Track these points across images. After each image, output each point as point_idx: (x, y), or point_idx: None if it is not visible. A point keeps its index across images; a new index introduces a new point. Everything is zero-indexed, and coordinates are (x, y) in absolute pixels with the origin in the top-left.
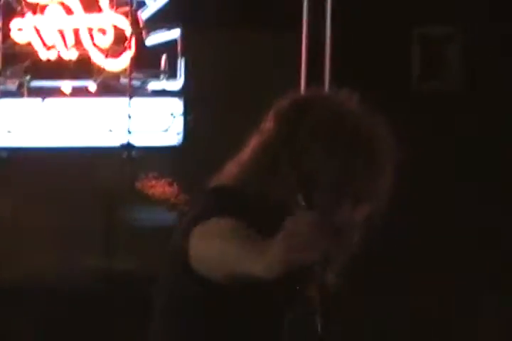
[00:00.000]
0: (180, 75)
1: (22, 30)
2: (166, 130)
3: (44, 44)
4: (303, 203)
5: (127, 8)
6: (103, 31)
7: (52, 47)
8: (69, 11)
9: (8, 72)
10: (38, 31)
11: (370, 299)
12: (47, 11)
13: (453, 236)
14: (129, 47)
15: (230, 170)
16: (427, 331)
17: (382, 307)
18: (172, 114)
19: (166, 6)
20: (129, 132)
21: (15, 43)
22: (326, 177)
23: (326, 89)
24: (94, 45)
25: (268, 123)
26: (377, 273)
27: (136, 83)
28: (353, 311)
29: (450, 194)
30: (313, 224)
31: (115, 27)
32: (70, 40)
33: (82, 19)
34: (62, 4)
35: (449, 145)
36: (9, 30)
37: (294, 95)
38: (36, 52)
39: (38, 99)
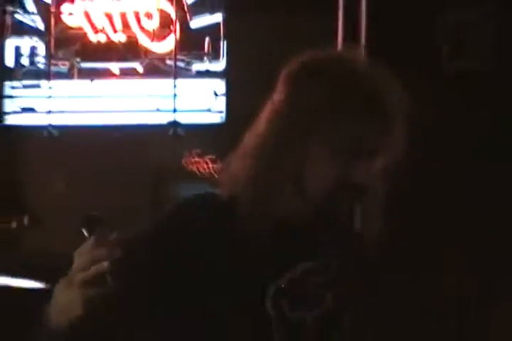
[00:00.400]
0: (223, 57)
1: (72, 14)
2: (209, 109)
3: (93, 27)
4: (86, 233)
5: None
6: (149, 15)
7: (101, 30)
8: None
9: (59, 54)
10: (87, 15)
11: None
12: None
13: (486, 216)
14: (174, 30)
15: (248, 143)
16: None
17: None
18: (215, 94)
19: None
20: (175, 111)
21: (66, 27)
22: (341, 138)
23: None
24: (141, 28)
25: (279, 88)
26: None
27: (180, 64)
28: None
29: (480, 173)
30: (93, 252)
31: (161, 11)
32: (118, 23)
33: (129, 3)
34: None
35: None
36: (60, 14)
37: (303, 57)
38: (86, 35)
39: (88, 80)
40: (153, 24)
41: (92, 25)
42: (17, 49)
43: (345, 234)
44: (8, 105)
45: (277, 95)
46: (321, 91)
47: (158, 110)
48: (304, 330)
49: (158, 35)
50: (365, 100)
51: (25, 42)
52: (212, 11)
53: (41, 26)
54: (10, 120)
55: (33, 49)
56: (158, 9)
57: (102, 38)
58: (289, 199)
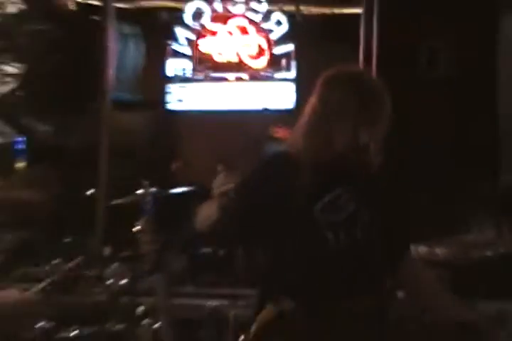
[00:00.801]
0: (293, 70)
1: (205, 45)
2: (286, 99)
3: (217, 52)
4: (223, 170)
5: (264, 33)
6: (250, 46)
7: (222, 54)
8: (231, 34)
9: (198, 68)
10: (213, 46)
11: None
12: (218, 34)
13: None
14: (265, 54)
15: (299, 123)
16: None
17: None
18: (289, 91)
19: (285, 31)
20: (266, 101)
21: (202, 52)
22: (353, 123)
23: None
24: (246, 53)
25: (317, 89)
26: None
27: (269, 74)
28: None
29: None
30: (226, 178)
31: (258, 44)
32: (232, 50)
33: (239, 39)
34: (228, 32)
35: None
36: (198, 45)
37: (334, 69)
38: (213, 57)
39: (215, 83)
40: (253, 51)
41: (217, 51)
42: (173, 66)
43: (366, 173)
44: (169, 98)
45: (315, 94)
46: (344, 94)
47: (256, 101)
48: (337, 227)
49: (256, 57)
50: (371, 101)
51: (178, 62)
52: (286, 43)
53: (188, 52)
54: (170, 106)
55: (183, 65)
56: (257, 43)
57: (222, 59)
58: (326, 153)
